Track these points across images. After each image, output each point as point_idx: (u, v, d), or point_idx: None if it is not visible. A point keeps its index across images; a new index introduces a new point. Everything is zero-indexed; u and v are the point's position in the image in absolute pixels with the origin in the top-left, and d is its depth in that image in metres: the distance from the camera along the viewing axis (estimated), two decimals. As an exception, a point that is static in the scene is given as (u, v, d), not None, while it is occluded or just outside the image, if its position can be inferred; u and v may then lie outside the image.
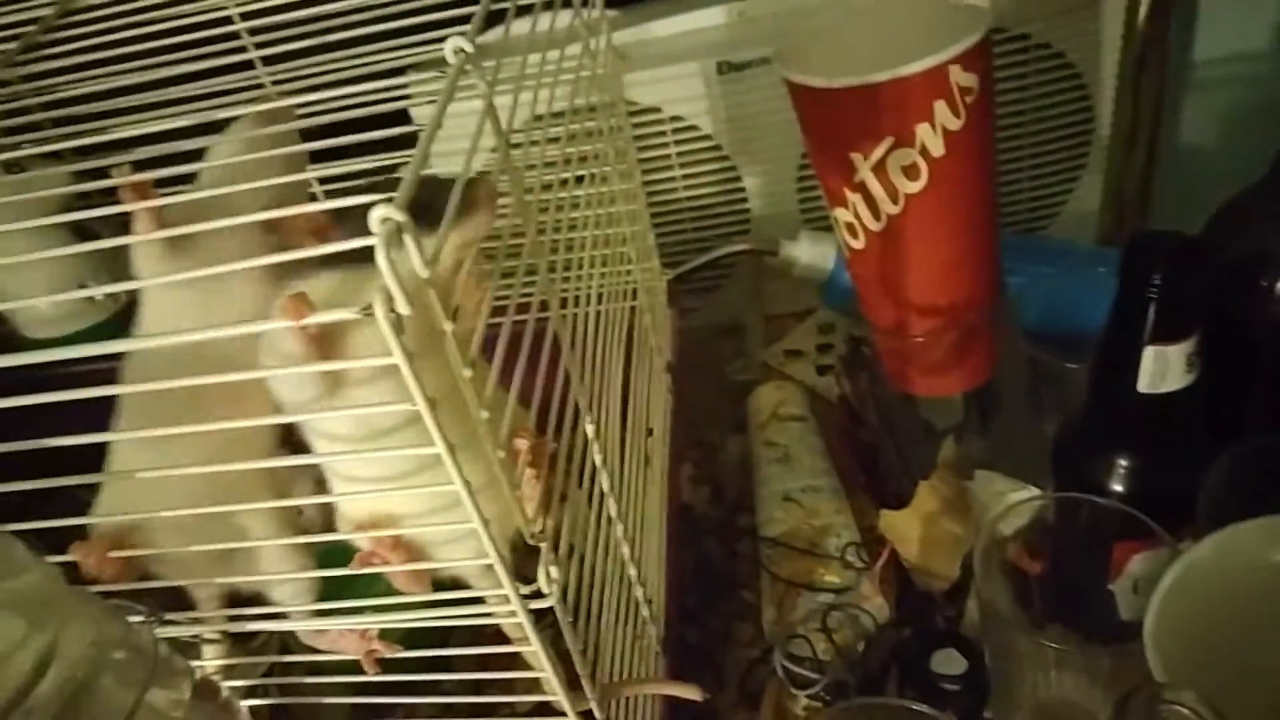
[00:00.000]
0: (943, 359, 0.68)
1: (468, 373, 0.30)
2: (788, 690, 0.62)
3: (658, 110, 0.84)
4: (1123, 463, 0.55)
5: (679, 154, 0.86)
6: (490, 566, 0.34)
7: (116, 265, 0.83)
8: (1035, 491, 0.63)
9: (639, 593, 0.53)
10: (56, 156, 0.66)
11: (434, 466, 0.33)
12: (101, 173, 0.45)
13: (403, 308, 0.27)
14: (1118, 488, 0.56)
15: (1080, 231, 0.89)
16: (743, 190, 0.87)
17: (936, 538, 0.65)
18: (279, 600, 0.48)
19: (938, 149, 0.58)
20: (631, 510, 0.54)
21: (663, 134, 0.85)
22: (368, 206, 0.27)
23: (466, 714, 0.46)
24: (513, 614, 0.36)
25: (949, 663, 0.59)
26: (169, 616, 0.42)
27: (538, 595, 0.36)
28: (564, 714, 0.41)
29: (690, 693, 0.50)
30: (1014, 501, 0.57)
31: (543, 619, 0.39)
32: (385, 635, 0.47)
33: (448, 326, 0.29)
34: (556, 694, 0.39)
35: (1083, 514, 0.55)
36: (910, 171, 0.59)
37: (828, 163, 0.63)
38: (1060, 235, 0.90)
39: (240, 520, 0.47)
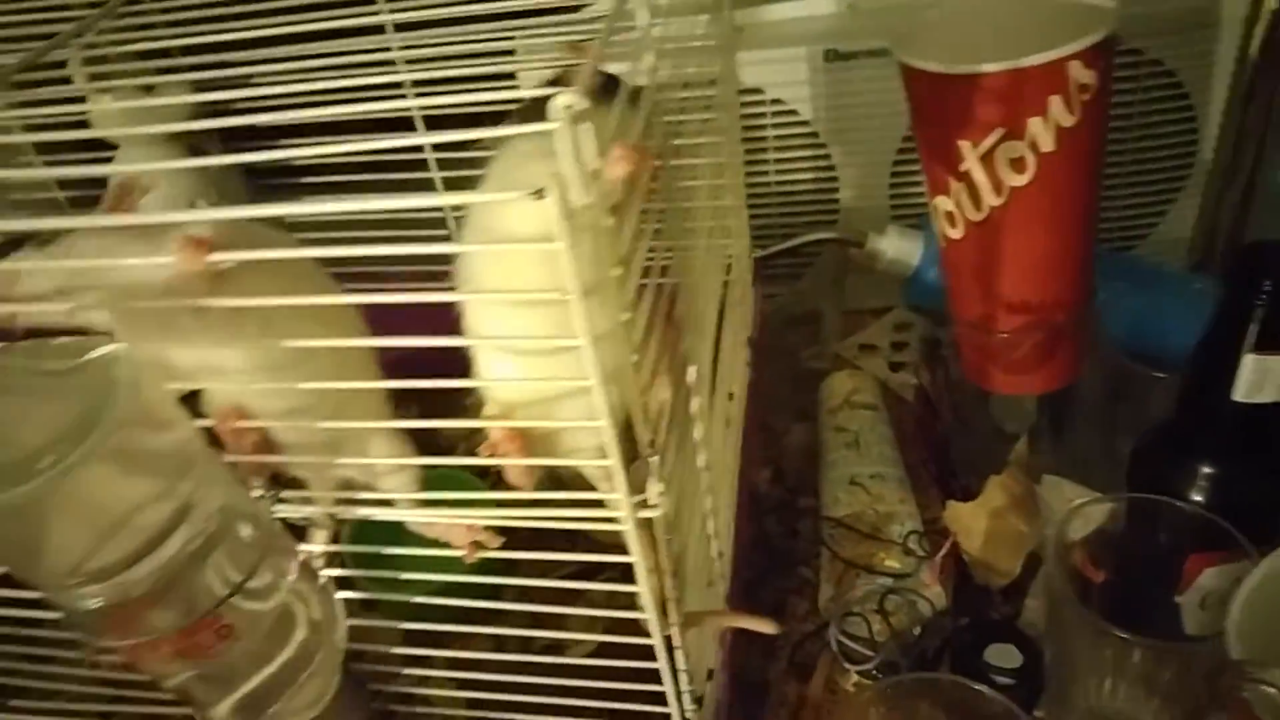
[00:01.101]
0: (1025, 358, 0.68)
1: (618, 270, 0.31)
2: (840, 665, 0.63)
3: (760, 91, 0.84)
4: (1206, 471, 0.55)
5: (775, 137, 0.87)
6: (607, 470, 0.35)
7: (226, 186, 0.86)
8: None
9: (714, 547, 0.54)
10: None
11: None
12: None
13: (575, 195, 0.28)
14: (1198, 497, 0.55)
15: (1170, 256, 0.88)
16: (835, 179, 0.88)
17: (1002, 533, 0.65)
18: (387, 490, 0.50)
19: (1048, 144, 0.59)
20: (714, 465, 0.55)
21: (762, 116, 0.86)
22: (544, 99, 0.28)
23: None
24: (614, 520, 0.37)
25: (1004, 656, 0.59)
26: (284, 495, 0.44)
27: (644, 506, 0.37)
28: (645, 637, 0.42)
29: (765, 626, 0.51)
30: (1090, 499, 0.57)
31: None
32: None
33: (608, 221, 0.30)
34: (648, 611, 0.40)
35: (1160, 519, 0.55)
36: (1018, 164, 0.60)
37: (935, 150, 0.64)
38: (1149, 257, 0.89)
39: (352, 413, 0.48)
